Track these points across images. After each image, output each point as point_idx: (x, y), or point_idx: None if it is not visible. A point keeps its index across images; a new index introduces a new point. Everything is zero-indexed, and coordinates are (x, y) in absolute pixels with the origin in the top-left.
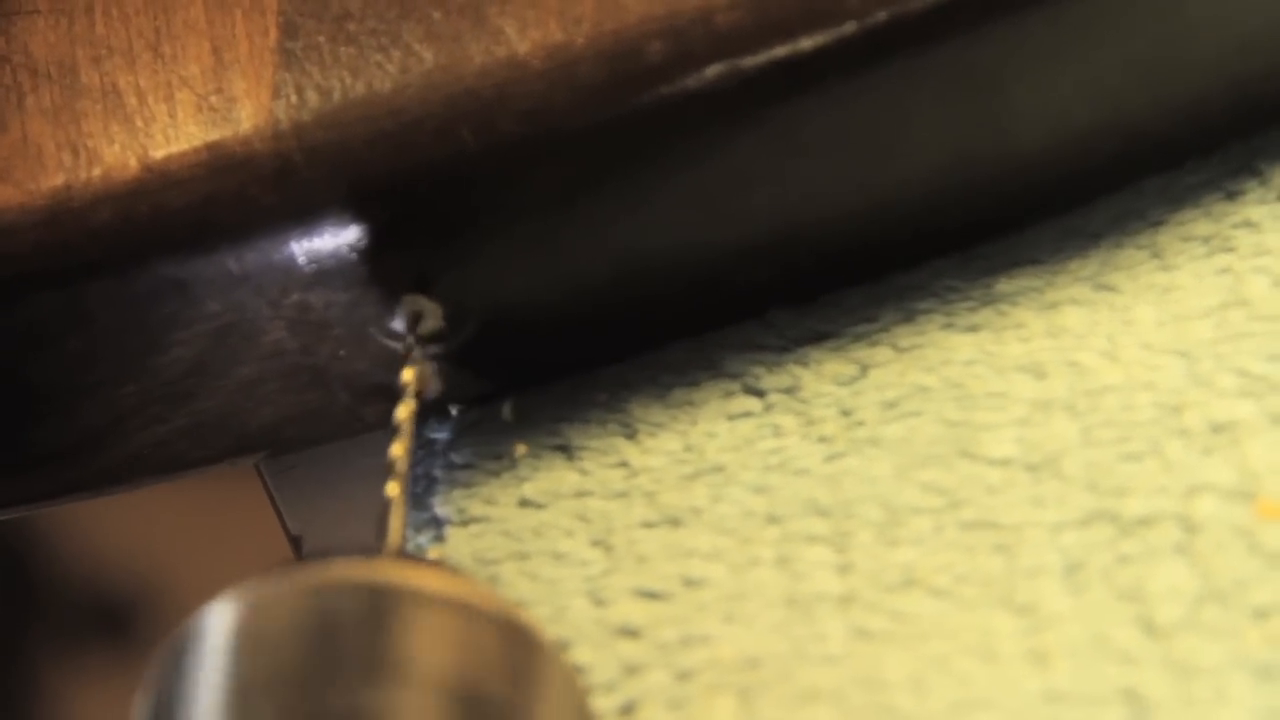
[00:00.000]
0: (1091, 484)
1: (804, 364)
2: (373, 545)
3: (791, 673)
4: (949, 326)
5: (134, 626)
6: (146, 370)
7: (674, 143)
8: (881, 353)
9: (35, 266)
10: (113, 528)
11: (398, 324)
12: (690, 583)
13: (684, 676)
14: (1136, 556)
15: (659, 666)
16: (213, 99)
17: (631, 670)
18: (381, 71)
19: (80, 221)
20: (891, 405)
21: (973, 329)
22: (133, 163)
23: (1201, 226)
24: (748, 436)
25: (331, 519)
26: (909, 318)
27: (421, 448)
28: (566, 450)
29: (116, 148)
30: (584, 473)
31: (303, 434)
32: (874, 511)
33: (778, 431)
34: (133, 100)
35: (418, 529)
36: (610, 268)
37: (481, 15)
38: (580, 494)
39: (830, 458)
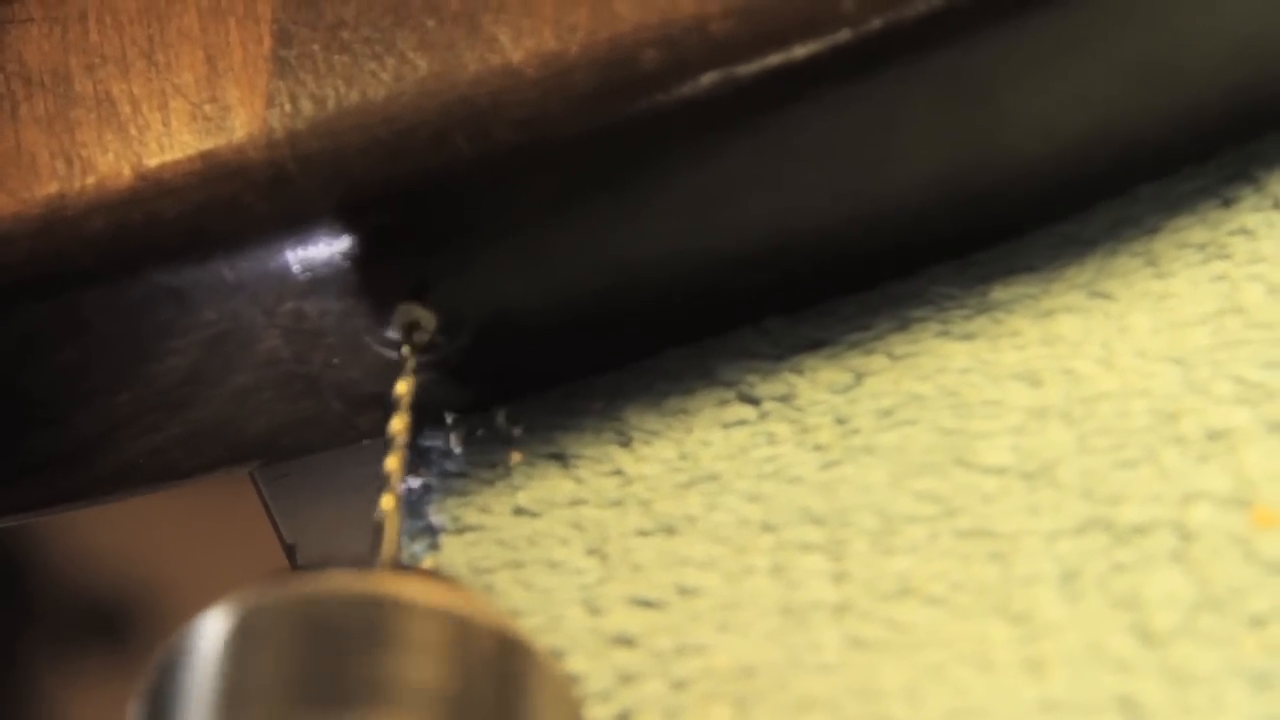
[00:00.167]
0: (1087, 492)
1: (799, 372)
2: (367, 556)
3: (787, 682)
4: (944, 334)
5: (130, 632)
6: (141, 379)
7: (668, 151)
8: (876, 360)
9: (29, 275)
10: (109, 534)
11: (392, 332)
12: (685, 591)
13: (679, 685)
14: (1132, 564)
15: (654, 675)
16: (207, 107)
17: (627, 679)
18: (376, 80)
19: (74, 230)
20: (886, 413)
21: (968, 337)
22: (127, 171)
23: (1197, 233)
24: (742, 444)
25: (326, 527)
26: (904, 325)
27: (416, 456)
28: (561, 458)
29: (110, 156)
30: (579, 481)
31: (297, 443)
32: (869, 520)
33: (772, 439)
34: (127, 109)
35: (413, 537)
36: (605, 275)
37: (476, 23)
38: (575, 502)
39: (825, 466)
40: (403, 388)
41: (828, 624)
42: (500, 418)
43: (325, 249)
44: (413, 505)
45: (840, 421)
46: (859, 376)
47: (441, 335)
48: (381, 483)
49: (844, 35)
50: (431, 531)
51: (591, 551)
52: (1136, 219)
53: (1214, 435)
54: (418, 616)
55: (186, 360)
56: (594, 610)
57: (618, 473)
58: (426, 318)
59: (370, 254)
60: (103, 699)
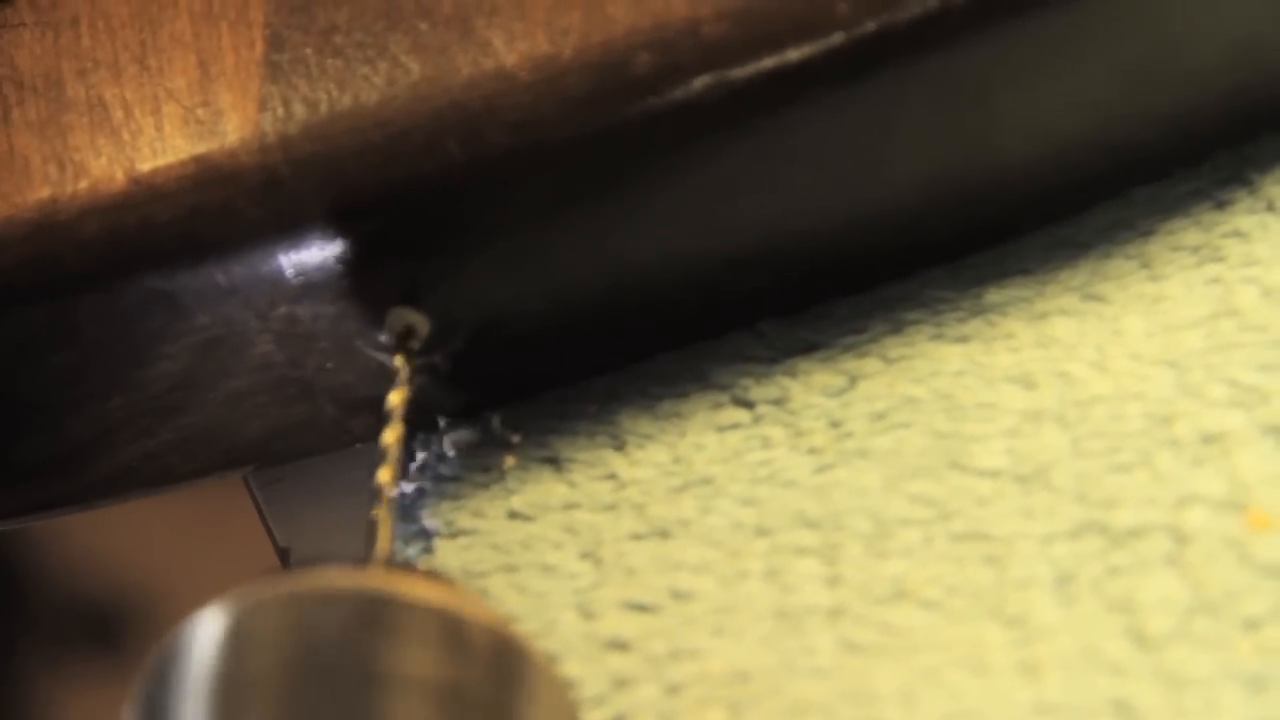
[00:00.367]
0: (1081, 495)
1: (793, 375)
2: (362, 556)
3: (781, 686)
4: (938, 337)
5: (125, 636)
6: (134, 383)
7: (662, 154)
8: (870, 364)
9: (22, 280)
10: (104, 537)
11: (385, 337)
12: (679, 595)
13: (673, 690)
14: (1127, 568)
15: (648, 680)
16: (199, 112)
17: (621, 684)
18: (368, 84)
19: (67, 234)
20: (880, 416)
21: (962, 340)
22: (119, 176)
23: (1191, 236)
24: (736, 448)
25: (319, 531)
26: (898, 328)
27: (409, 460)
28: (555, 462)
29: (103, 161)
30: (572, 485)
31: (290, 447)
32: (863, 523)
33: (766, 443)
34: (119, 113)
35: (406, 541)
36: (598, 279)
37: (469, 27)
38: (569, 506)
39: (819, 469)
40: (395, 399)
41: (822, 628)
42: (494, 422)
43: (318, 253)
44: (406, 509)
45: (834, 425)
46: (853, 380)
47: (435, 339)
48: (375, 490)
49: (838, 38)
50: (425, 535)
51: (585, 555)
52: (1131, 222)
53: (1208, 438)
54: (412, 613)
55: (180, 365)
56: (588, 615)
57: (611, 476)
58: (420, 322)
59: (363, 258)
60: (98, 702)
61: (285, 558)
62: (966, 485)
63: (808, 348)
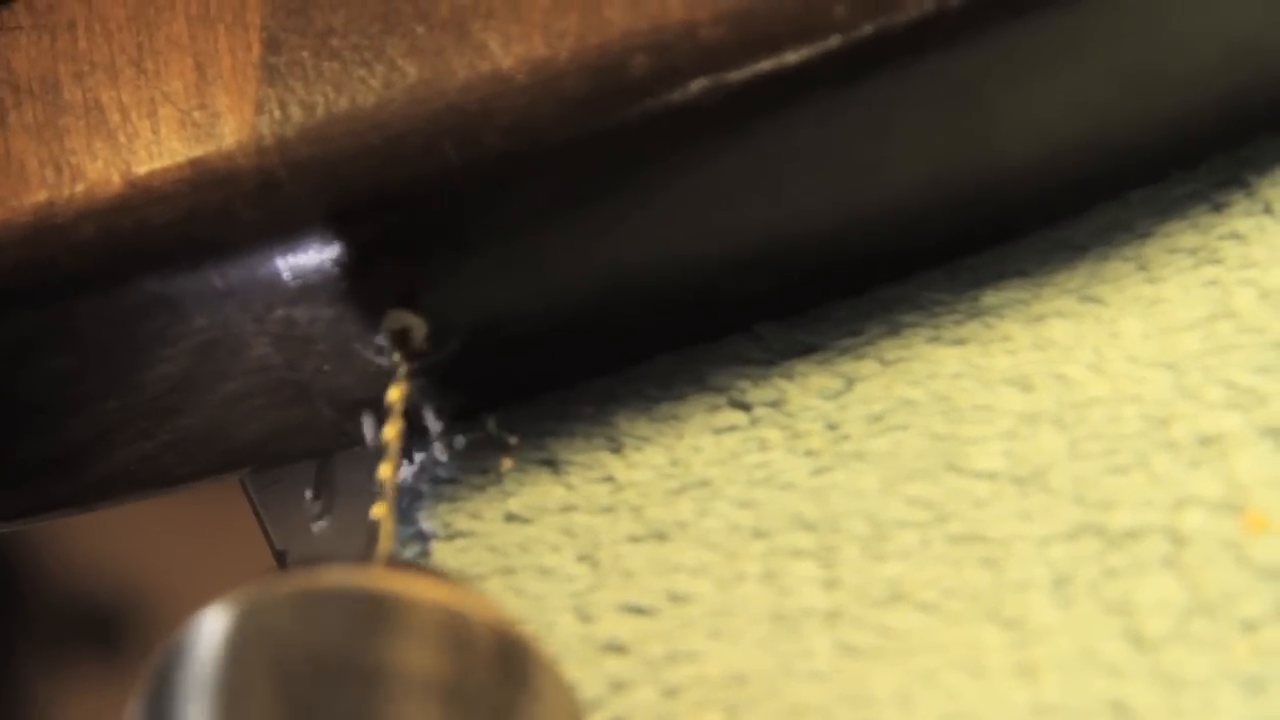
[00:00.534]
0: (1079, 497)
1: (789, 377)
2: (363, 554)
3: (778, 689)
4: (935, 339)
5: (123, 638)
6: (131, 386)
7: (658, 157)
8: (867, 366)
9: (19, 283)
10: (103, 539)
11: (382, 339)
12: (677, 598)
13: (671, 693)
14: (1124, 569)
15: (646, 683)
16: (196, 114)
17: (618, 687)
18: (365, 86)
19: (64, 238)
20: (877, 419)
21: (959, 342)
22: (116, 179)
23: (1188, 238)
24: (733, 450)
25: (316, 533)
26: (895, 331)
27: (406, 462)
28: (552, 464)
29: (100, 164)
30: (570, 487)
31: (288, 449)
32: (860, 526)
33: (764, 445)
34: (116, 116)
35: (403, 544)
36: (595, 281)
37: (465, 30)
38: (566, 508)
39: (816, 472)
40: (394, 394)
41: (819, 631)
42: (491, 424)
43: (315, 256)
44: (403, 511)
45: (831, 427)
46: (850, 382)
47: (432, 342)
48: (374, 488)
49: (834, 41)
50: (422, 538)
51: (582, 558)
52: (1128, 224)
53: (1205, 440)
54: (415, 611)
55: (177, 367)
56: (585, 617)
57: (609, 479)
58: (417, 324)
59: (360, 261)
60: (97, 703)
61: (282, 560)
62: (964, 487)
63: (805, 350)
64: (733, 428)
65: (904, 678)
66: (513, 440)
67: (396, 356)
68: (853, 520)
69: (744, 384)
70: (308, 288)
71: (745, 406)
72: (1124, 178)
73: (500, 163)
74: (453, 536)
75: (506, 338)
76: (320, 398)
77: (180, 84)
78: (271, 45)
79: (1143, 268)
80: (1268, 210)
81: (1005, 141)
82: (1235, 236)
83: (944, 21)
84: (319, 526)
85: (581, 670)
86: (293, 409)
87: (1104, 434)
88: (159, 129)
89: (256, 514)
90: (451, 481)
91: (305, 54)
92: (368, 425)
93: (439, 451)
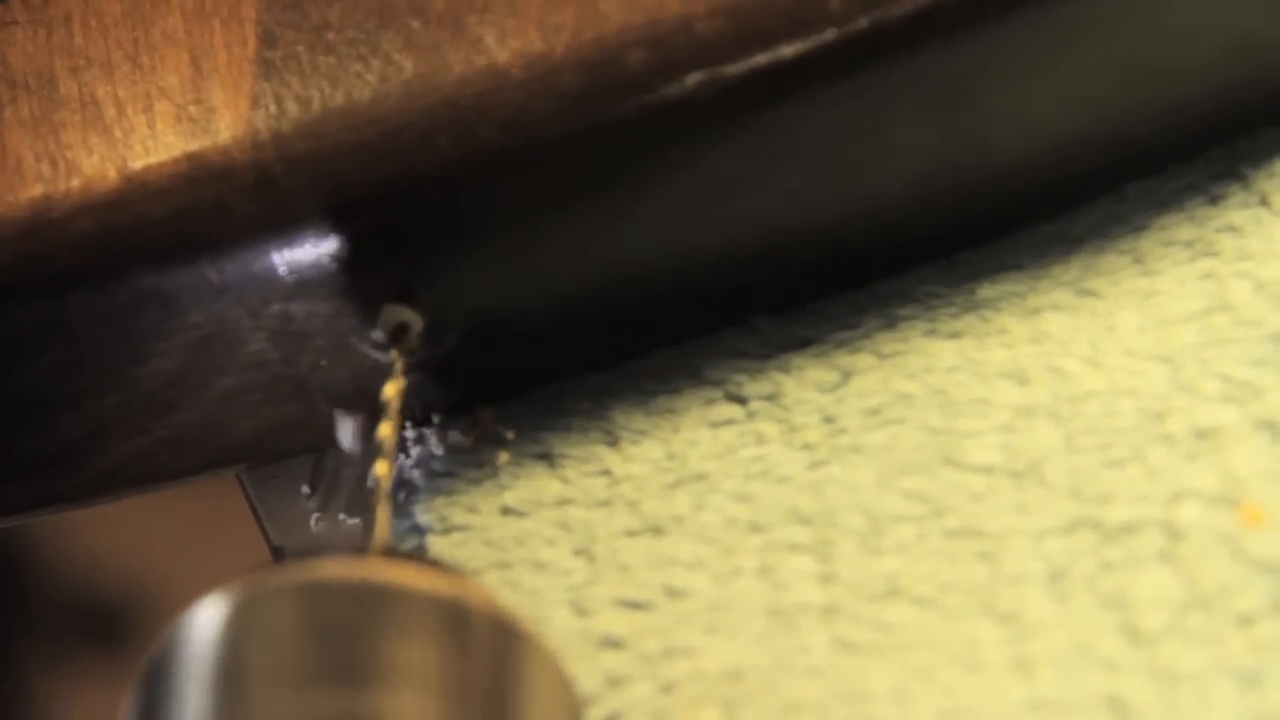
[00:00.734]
0: (1075, 491)
1: (786, 371)
2: (360, 545)
3: (775, 685)
4: (931, 333)
5: (125, 633)
6: (127, 381)
7: (655, 151)
8: (864, 359)
9: (14, 278)
10: (104, 535)
11: (379, 334)
12: (673, 593)
13: (667, 689)
14: (1120, 564)
15: (642, 678)
16: (192, 109)
17: (615, 682)
18: (361, 81)
19: (60, 232)
20: (874, 412)
21: (955, 335)
22: (112, 173)
23: (1184, 231)
24: (730, 444)
25: (313, 528)
26: (891, 324)
27: (403, 456)
28: (549, 458)
29: (95, 158)
30: (566, 481)
31: (284, 444)
32: (856, 520)
33: (760, 439)
34: (111, 111)
35: (399, 537)
36: (592, 276)
37: (461, 24)
38: (562, 502)
39: (812, 465)
40: (391, 391)
41: (816, 626)
42: (487, 418)
43: (311, 251)
44: (399, 505)
45: (828, 420)
46: (846, 375)
47: (428, 336)
48: (371, 480)
49: (830, 34)
50: (418, 532)
51: (579, 552)
52: (1124, 217)
53: (1201, 434)
54: (412, 600)
55: (173, 363)
56: (581, 612)
57: (605, 473)
58: (413, 319)
59: (356, 256)
60: (97, 699)
61: (280, 555)
62: (960, 481)
63: (801, 344)
64: (729, 421)
65: (900, 673)
66: (509, 434)
67: (393, 351)
68: (849, 514)
69: (740, 378)
70: (304, 283)
71: (741, 400)
72: (1120, 171)
73: (496, 157)
74: (448, 530)
75: (503, 332)
76: (317, 393)
77: (176, 79)
78: (267, 40)
79: (1139, 261)
80: (1264, 203)
81: (1001, 135)
82: (1231, 229)
83: (939, 15)
84: (316, 521)
85: (578, 665)
86: (289, 404)
87: (1100, 427)
88: (155, 124)
89: (253, 509)
90: (447, 475)
91: (301, 49)
92: (346, 428)
93: (435, 445)
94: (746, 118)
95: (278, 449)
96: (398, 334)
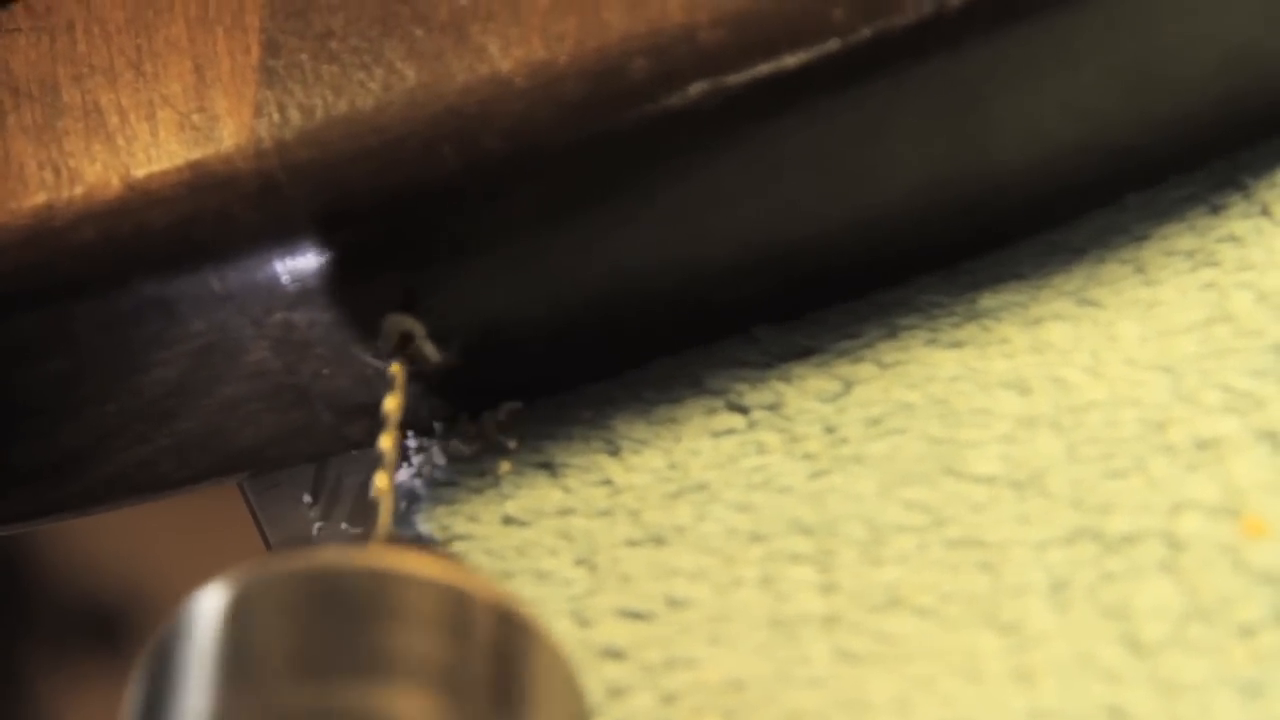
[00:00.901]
0: (1076, 501)
1: (787, 380)
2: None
3: (776, 696)
4: (933, 342)
5: (126, 637)
6: (129, 389)
7: (657, 160)
8: (865, 369)
9: (17, 286)
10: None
11: (381, 343)
12: (674, 603)
13: (669, 699)
14: (1121, 574)
15: (644, 689)
16: (195, 117)
17: (616, 693)
18: (364, 89)
19: (62, 240)
20: (875, 422)
21: (957, 345)
22: (115, 181)
23: (1185, 241)
24: (731, 454)
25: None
26: (893, 333)
27: (405, 464)
28: (550, 467)
29: (98, 166)
30: (567, 490)
31: (286, 453)
32: (858, 530)
33: (761, 449)
34: (114, 119)
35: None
36: (594, 285)
37: (464, 33)
38: (564, 512)
39: (814, 475)
40: (391, 404)
41: (817, 636)
42: (489, 427)
43: (314, 259)
44: (401, 514)
45: (829, 430)
46: (848, 385)
47: (430, 345)
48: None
49: (833, 44)
50: (419, 541)
51: (580, 562)
52: (1125, 227)
53: (1203, 444)
54: (415, 587)
55: (175, 371)
56: (583, 622)
57: (606, 482)
58: (416, 328)
59: (359, 264)
60: (99, 703)
61: None
62: (961, 491)
63: (803, 353)
64: (730, 431)
65: (901, 684)
66: (510, 443)
67: (395, 360)
68: (850, 524)
69: (742, 387)
70: (306, 291)
71: (743, 410)
72: (1121, 181)
73: (499, 166)
74: (450, 539)
75: (505, 341)
76: (319, 402)
77: (179, 86)
78: (270, 48)
79: (1140, 270)
80: (1265, 213)
81: (1003, 145)
82: (1233, 239)
83: (942, 25)
84: (318, 530)
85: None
86: (292, 413)
87: (1101, 438)
88: (158, 132)
89: (255, 518)
90: (449, 484)
91: (304, 57)
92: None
93: (437, 454)
94: (749, 127)
95: (279, 458)
96: (400, 342)
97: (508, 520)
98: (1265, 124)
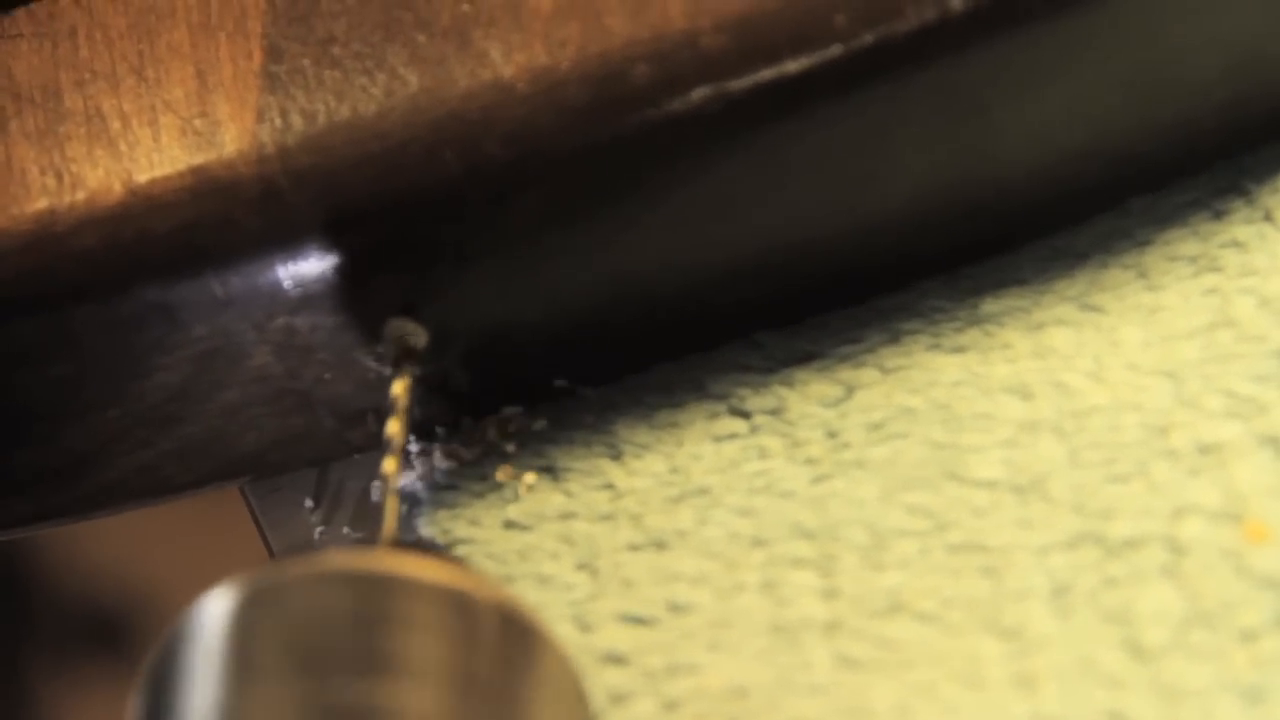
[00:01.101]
0: (1078, 506)
1: (789, 385)
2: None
3: (778, 703)
4: (935, 347)
5: (128, 641)
6: (131, 395)
7: (659, 166)
8: (867, 374)
9: (19, 291)
10: (108, 543)
11: (383, 348)
12: (676, 608)
13: (671, 706)
14: (1123, 579)
15: (646, 695)
16: (197, 123)
17: (618, 699)
18: (366, 95)
19: (64, 246)
20: (877, 427)
21: (959, 350)
22: (117, 187)
23: (1188, 246)
24: (733, 458)
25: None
26: (895, 338)
27: (406, 469)
28: (552, 472)
29: (100, 172)
30: (569, 494)
31: (288, 458)
32: (860, 534)
33: (763, 453)
34: (116, 124)
35: None
36: (596, 290)
37: (466, 38)
38: (565, 516)
39: (816, 480)
40: (399, 388)
41: (818, 642)
42: (491, 431)
43: (316, 264)
44: (403, 518)
45: (831, 435)
46: (850, 390)
47: (433, 350)
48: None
49: (835, 50)
50: (423, 545)
51: (582, 566)
52: (1128, 232)
53: (1205, 449)
54: (419, 592)
55: (177, 376)
56: (584, 627)
57: (608, 486)
58: (418, 333)
59: (361, 269)
60: (99, 707)
61: None
62: (963, 496)
63: (805, 358)
64: (732, 435)
65: (903, 690)
66: (512, 448)
67: (397, 365)
68: (852, 529)
69: (744, 392)
70: (309, 296)
71: (745, 414)
72: (1124, 186)
73: (501, 172)
74: (452, 544)
75: (507, 345)
76: (321, 406)
77: (181, 92)
78: (273, 53)
79: (1143, 275)
80: (1268, 218)
81: (1005, 150)
82: (1235, 244)
83: (945, 31)
84: (319, 535)
85: None
86: (293, 418)
87: (1103, 442)
88: (160, 137)
89: (257, 523)
90: (451, 488)
91: (306, 62)
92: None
93: (438, 459)
94: (751, 133)
95: (281, 462)
96: (402, 347)
97: (509, 524)
98: (1268, 129)
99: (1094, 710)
